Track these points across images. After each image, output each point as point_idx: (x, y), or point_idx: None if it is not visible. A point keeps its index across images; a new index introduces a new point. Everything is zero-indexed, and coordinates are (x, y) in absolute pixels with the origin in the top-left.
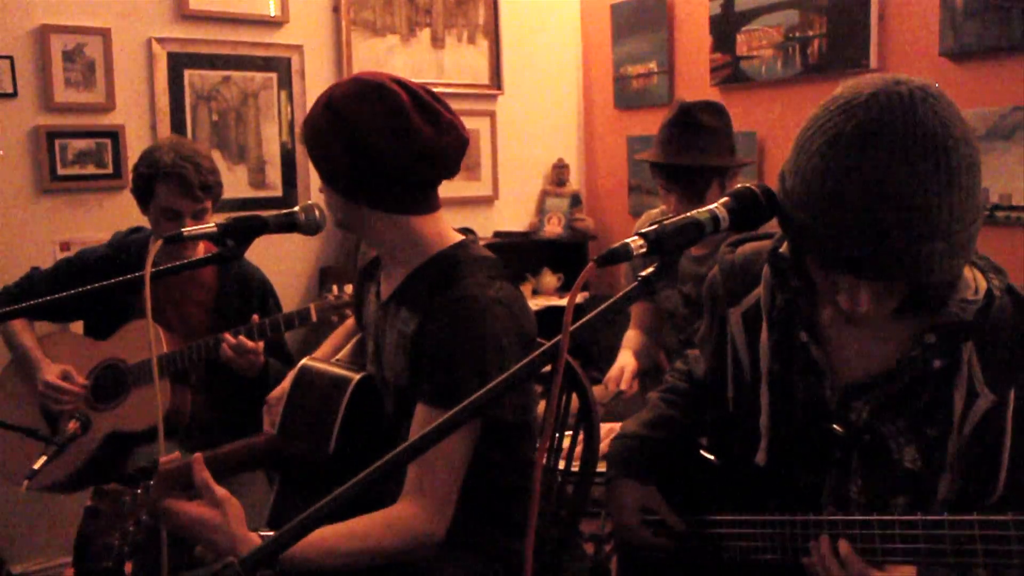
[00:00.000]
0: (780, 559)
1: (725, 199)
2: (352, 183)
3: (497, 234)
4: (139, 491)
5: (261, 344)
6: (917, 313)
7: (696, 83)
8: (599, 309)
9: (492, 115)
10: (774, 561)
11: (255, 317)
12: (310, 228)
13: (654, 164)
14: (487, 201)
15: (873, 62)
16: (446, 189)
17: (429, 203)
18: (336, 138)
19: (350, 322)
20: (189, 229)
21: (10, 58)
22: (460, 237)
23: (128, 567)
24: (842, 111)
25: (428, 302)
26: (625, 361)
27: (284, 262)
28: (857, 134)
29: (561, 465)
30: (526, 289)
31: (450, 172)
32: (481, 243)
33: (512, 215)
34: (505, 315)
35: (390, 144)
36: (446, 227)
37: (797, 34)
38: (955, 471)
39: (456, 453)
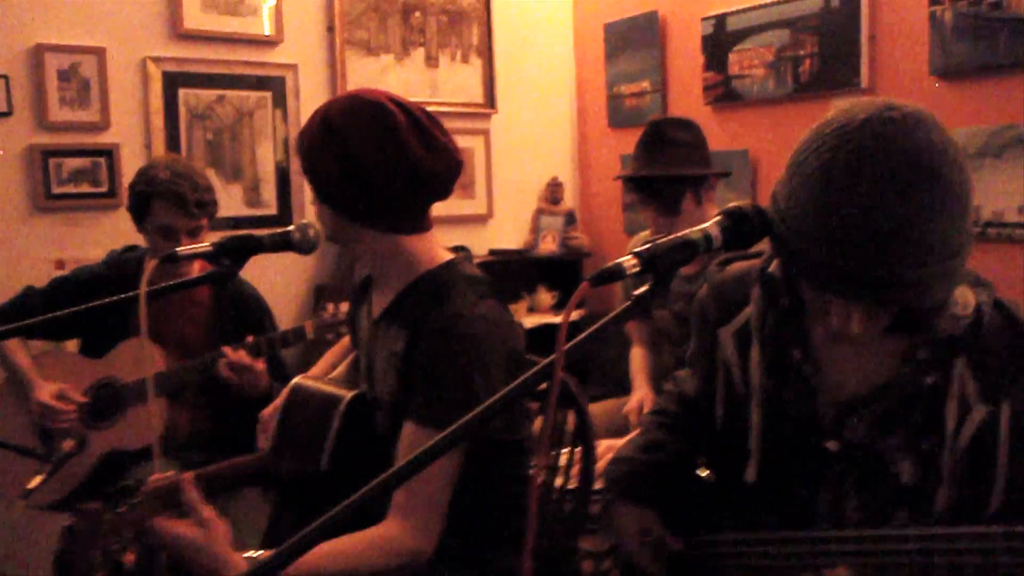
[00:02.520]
0: None
1: (718, 217)
2: (343, 199)
3: (492, 252)
4: (121, 510)
5: (261, 363)
6: (908, 330)
7: (689, 102)
8: (594, 327)
9: (486, 133)
10: None
11: (249, 338)
12: (305, 247)
13: (627, 179)
14: (482, 219)
15: (864, 81)
16: (440, 207)
17: (420, 223)
18: (329, 153)
19: (346, 340)
20: (184, 248)
21: (5, 77)
22: (451, 256)
23: None
24: (836, 136)
25: (417, 320)
26: (642, 394)
27: (279, 280)
28: (851, 159)
29: (558, 482)
30: (521, 307)
31: (442, 194)
32: (476, 261)
33: (507, 233)
34: (491, 333)
35: (382, 163)
36: (437, 246)
37: (788, 53)
38: (952, 484)
39: (442, 470)
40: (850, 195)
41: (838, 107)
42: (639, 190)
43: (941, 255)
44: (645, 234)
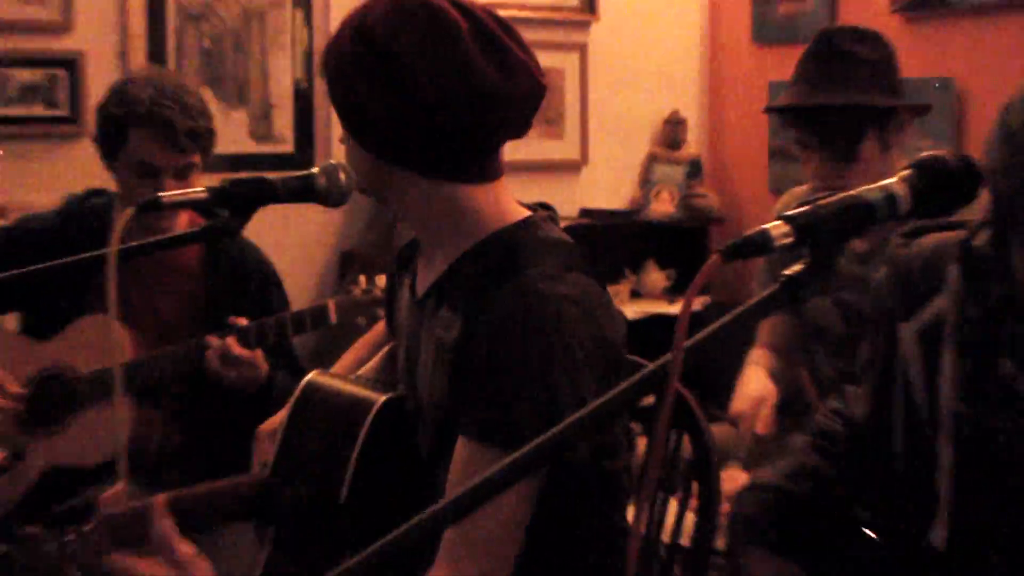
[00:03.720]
0: None
1: (906, 171)
2: (384, 136)
3: (584, 213)
4: (69, 538)
5: (259, 352)
6: None
7: (869, 10)
8: (723, 320)
9: (582, 49)
10: None
11: (241, 320)
12: (332, 197)
13: (784, 110)
14: (572, 167)
15: None
16: (515, 149)
17: (486, 168)
18: (367, 74)
19: (381, 327)
20: (170, 194)
21: None
22: (527, 213)
23: None
24: None
25: (477, 299)
26: (759, 387)
27: (295, 242)
28: None
29: (665, 536)
30: (623, 289)
31: (518, 130)
32: (563, 224)
33: (606, 187)
34: (581, 318)
35: (439, 87)
36: (508, 200)
37: None
38: None
39: (508, 506)
40: None
41: None
42: (800, 127)
43: None
44: (802, 190)
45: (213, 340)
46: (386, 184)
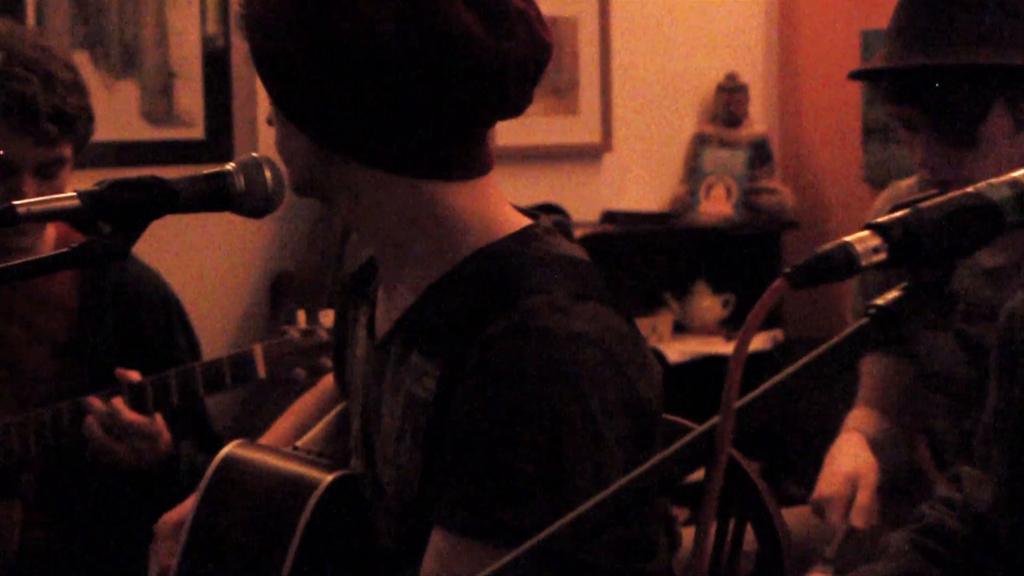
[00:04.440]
0: None
1: None
2: (328, 114)
3: (607, 217)
4: None
5: (159, 418)
6: None
7: None
8: (796, 367)
9: None
10: None
11: (133, 374)
12: (253, 204)
13: (878, 75)
14: (590, 154)
15: None
16: (511, 132)
17: (470, 160)
18: (304, 29)
19: (327, 381)
20: (30, 201)
21: None
22: (526, 221)
23: None
24: None
25: (458, 341)
26: (853, 462)
27: (209, 265)
28: None
29: None
30: (663, 323)
31: (513, 106)
32: (579, 233)
33: (637, 182)
34: (601, 365)
35: (404, 48)
36: (499, 204)
37: None
38: None
39: None
40: None
41: None
42: (901, 98)
43: None
44: (909, 184)
45: (94, 402)
46: (331, 182)
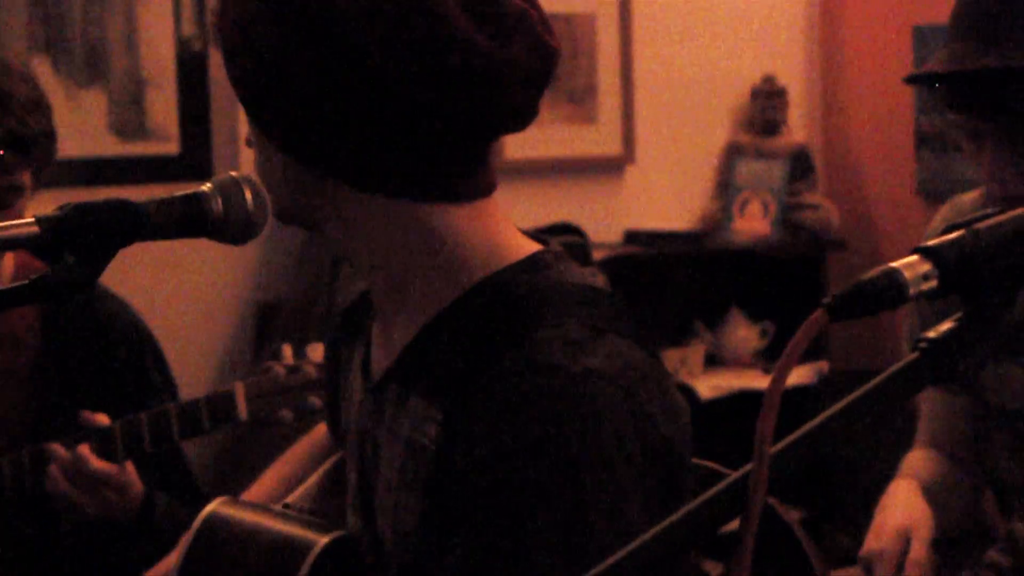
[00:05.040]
0: None
1: None
2: (313, 131)
3: (630, 237)
4: None
5: (130, 467)
6: None
7: None
8: (842, 404)
9: None
10: None
11: (101, 417)
12: (232, 229)
13: (937, 79)
14: (610, 167)
15: None
16: (521, 144)
17: (471, 180)
18: (286, 35)
19: (320, 429)
20: None
21: None
22: (535, 247)
23: None
24: None
25: (462, 381)
26: (906, 513)
27: (186, 296)
28: None
29: None
30: (693, 354)
31: (516, 119)
32: (599, 256)
33: (663, 197)
34: (621, 406)
35: (396, 56)
36: (505, 228)
37: None
38: None
39: None
40: None
41: None
42: (964, 105)
43: None
44: (971, 198)
45: (58, 449)
46: (318, 209)
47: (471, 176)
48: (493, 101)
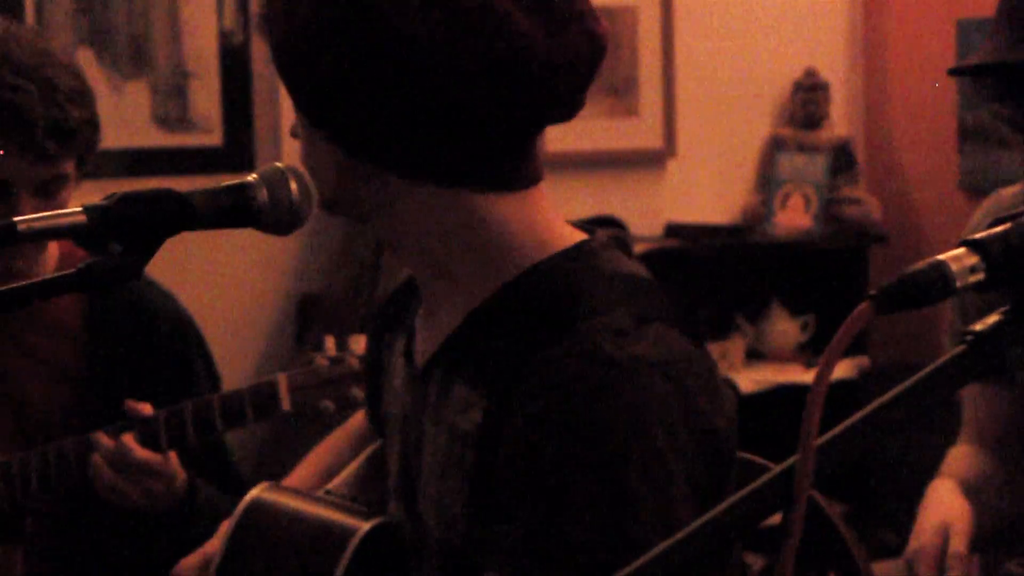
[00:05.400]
0: None
1: None
2: (362, 121)
3: (672, 230)
4: None
5: (173, 456)
6: None
7: None
8: (886, 398)
9: None
10: None
11: (144, 407)
12: (278, 219)
13: (982, 71)
14: (652, 160)
15: None
16: (564, 136)
17: (517, 170)
18: (333, 24)
19: (359, 418)
20: (31, 218)
21: None
22: (580, 236)
23: None
24: None
25: (509, 369)
26: (947, 511)
27: (229, 287)
28: None
29: None
30: (735, 348)
31: (563, 111)
32: (639, 249)
33: (704, 191)
34: (670, 395)
35: (446, 45)
36: (551, 218)
37: None
38: None
39: None
40: None
41: None
42: (1009, 97)
43: None
44: (1013, 192)
45: (102, 438)
46: (365, 198)
47: (519, 165)
48: (542, 92)
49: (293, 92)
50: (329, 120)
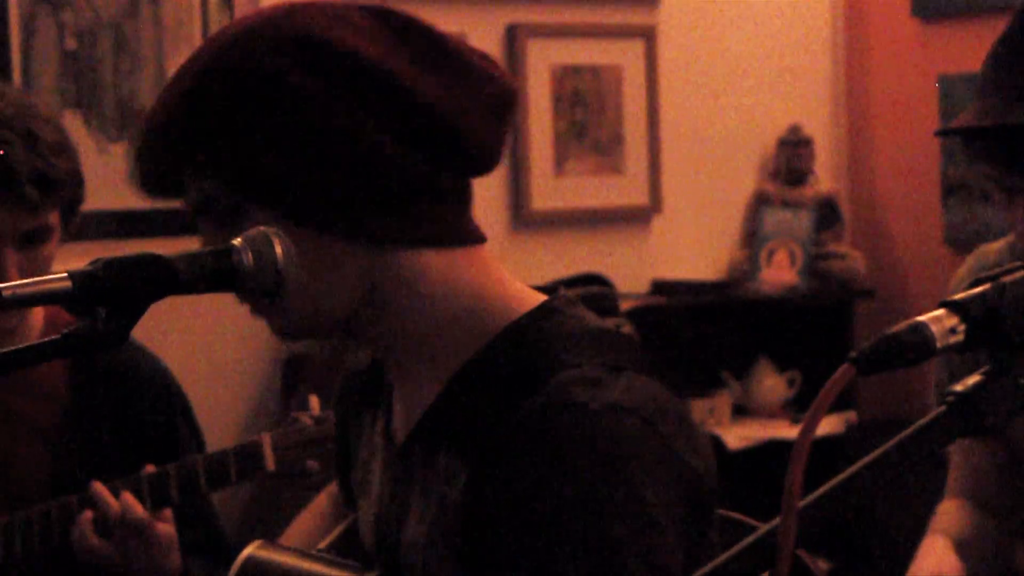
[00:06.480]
0: None
1: None
2: (320, 193)
3: (658, 287)
4: None
5: (169, 516)
6: None
7: None
8: (870, 458)
9: (648, 35)
10: None
11: (149, 467)
12: (265, 282)
13: (968, 134)
14: (637, 217)
15: None
16: (548, 195)
17: (464, 224)
18: (260, 119)
19: (331, 490)
20: (14, 284)
21: None
22: (543, 297)
23: None
24: None
25: (487, 432)
26: (935, 568)
27: (211, 347)
28: None
29: None
30: (721, 404)
31: (478, 160)
32: (626, 306)
33: (690, 247)
34: (645, 437)
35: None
36: (511, 278)
37: None
38: None
39: None
40: None
41: None
42: (1002, 159)
43: None
44: (997, 248)
45: (104, 494)
46: (326, 274)
47: (461, 219)
48: (447, 142)
49: (244, 193)
50: (289, 200)
